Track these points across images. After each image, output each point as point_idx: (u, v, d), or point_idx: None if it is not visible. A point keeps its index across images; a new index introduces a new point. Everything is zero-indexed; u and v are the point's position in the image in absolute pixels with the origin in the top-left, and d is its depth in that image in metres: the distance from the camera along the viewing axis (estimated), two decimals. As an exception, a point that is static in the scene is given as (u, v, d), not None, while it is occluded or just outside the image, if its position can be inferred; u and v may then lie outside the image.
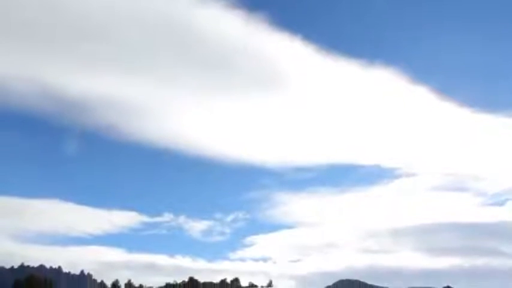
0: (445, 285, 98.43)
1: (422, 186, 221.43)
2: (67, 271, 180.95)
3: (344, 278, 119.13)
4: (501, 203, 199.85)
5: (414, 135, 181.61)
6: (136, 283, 30.04)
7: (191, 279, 35.11)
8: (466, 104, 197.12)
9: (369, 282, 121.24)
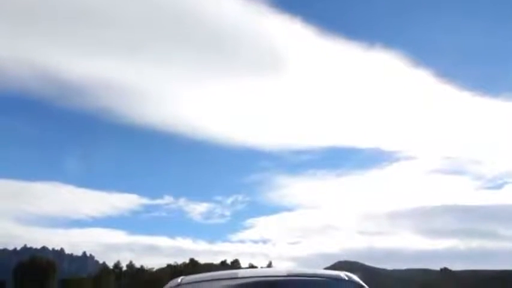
0: (442, 266, 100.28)
1: (421, 169, 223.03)
2: (69, 253, 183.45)
3: (343, 259, 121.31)
4: (499, 187, 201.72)
5: (414, 119, 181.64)
6: (137, 264, 31.13)
7: (192, 260, 35.93)
8: (467, 88, 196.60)
9: (367, 263, 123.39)
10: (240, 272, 3.25)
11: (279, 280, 2.96)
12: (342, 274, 3.01)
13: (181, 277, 3.18)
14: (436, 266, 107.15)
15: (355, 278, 2.99)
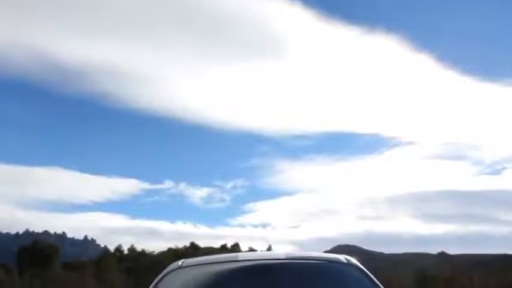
0: (440, 250, 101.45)
1: (420, 154, 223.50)
2: (71, 236, 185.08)
3: (342, 243, 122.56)
4: (498, 172, 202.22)
5: (414, 104, 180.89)
6: (139, 248, 31.49)
7: (192, 244, 36.35)
8: (468, 73, 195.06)
9: (366, 247, 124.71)
10: (240, 255, 3.29)
11: (279, 263, 3.00)
12: (341, 257, 3.04)
13: (182, 260, 3.22)
14: (434, 250, 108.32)
15: (354, 261, 3.02)
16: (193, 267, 3.08)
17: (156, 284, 2.86)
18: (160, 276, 2.95)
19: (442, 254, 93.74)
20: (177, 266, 3.07)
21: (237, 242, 38.51)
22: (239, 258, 3.14)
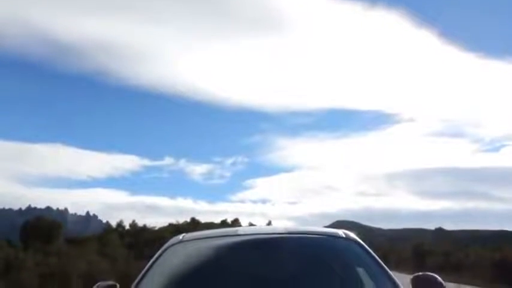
0: (437, 226, 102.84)
1: (420, 131, 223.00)
2: (73, 212, 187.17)
3: (341, 219, 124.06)
4: (496, 149, 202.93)
5: (416, 80, 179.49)
6: (140, 223, 31.71)
7: (193, 219, 36.66)
8: (471, 49, 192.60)
9: (364, 223, 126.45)
10: (240, 229, 3.33)
11: (278, 237, 3.03)
12: (340, 232, 3.07)
13: (183, 234, 3.25)
14: (431, 226, 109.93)
15: (353, 235, 3.05)
16: (193, 241, 3.11)
17: (158, 257, 2.90)
18: (161, 249, 2.99)
19: (440, 230, 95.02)
20: (177, 240, 3.10)
21: (237, 217, 38.85)
22: (239, 233, 3.17)
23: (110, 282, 2.70)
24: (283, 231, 3.11)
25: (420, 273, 2.62)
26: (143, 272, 2.76)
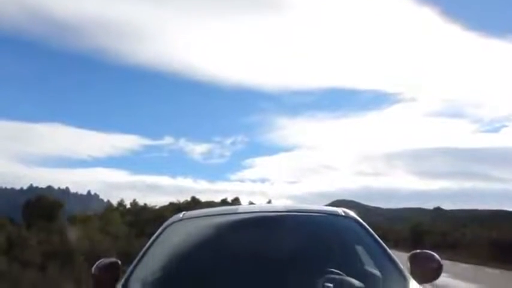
0: (436, 206, 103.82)
1: (420, 111, 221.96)
2: (74, 191, 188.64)
3: (339, 198, 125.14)
4: (496, 130, 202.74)
5: (417, 60, 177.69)
6: (141, 202, 32.06)
7: (193, 198, 36.93)
8: (473, 28, 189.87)
9: (363, 202, 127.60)
10: (240, 208, 3.35)
11: (278, 215, 3.05)
12: (339, 210, 3.09)
13: (183, 212, 3.27)
14: (430, 206, 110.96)
15: (352, 213, 3.07)
16: (194, 219, 3.13)
17: (158, 235, 2.92)
18: (162, 227, 3.01)
19: (438, 209, 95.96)
20: (178, 218, 3.12)
21: (237, 196, 39.14)
22: (239, 211, 3.19)
23: (112, 260, 2.74)
24: (283, 210, 3.13)
25: (418, 251, 2.65)
26: (144, 249, 2.79)
